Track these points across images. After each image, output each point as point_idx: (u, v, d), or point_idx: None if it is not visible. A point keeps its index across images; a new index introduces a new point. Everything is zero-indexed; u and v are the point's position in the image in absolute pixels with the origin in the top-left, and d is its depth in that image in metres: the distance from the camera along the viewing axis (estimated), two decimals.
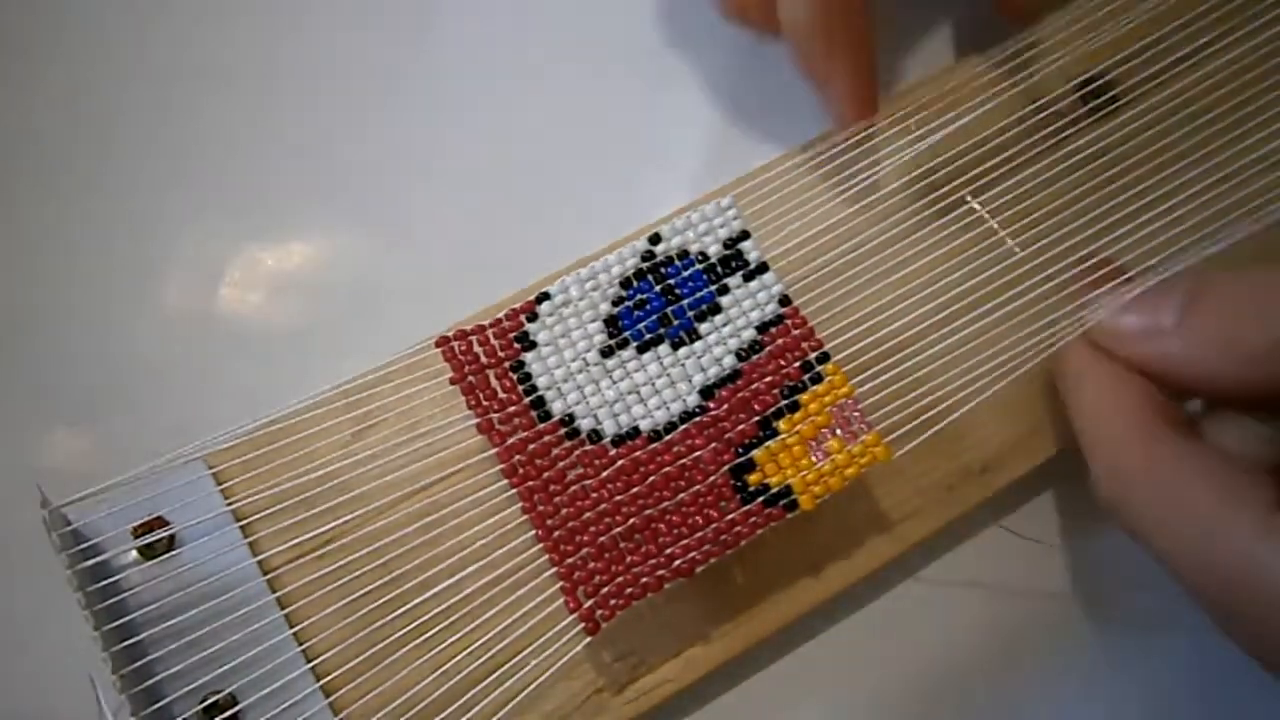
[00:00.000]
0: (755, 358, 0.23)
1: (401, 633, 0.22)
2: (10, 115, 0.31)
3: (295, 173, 0.31)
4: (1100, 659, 0.27)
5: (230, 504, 0.23)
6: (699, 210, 0.24)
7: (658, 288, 0.24)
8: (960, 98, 0.26)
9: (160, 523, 0.23)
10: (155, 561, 0.23)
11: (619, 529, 0.22)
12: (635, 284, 0.24)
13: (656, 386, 0.23)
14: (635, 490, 0.22)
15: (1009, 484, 0.26)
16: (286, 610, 0.23)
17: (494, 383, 0.23)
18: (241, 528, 0.23)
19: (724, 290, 0.24)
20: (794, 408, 0.23)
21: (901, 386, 0.23)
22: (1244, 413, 0.23)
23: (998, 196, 0.26)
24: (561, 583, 0.22)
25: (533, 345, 0.23)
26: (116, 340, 0.29)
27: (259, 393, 0.24)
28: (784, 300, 0.24)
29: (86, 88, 0.31)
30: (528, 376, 0.23)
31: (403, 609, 0.22)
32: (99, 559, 0.22)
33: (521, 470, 0.22)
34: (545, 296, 0.24)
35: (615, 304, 0.24)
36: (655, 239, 0.24)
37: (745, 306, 0.24)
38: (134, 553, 0.23)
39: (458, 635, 0.22)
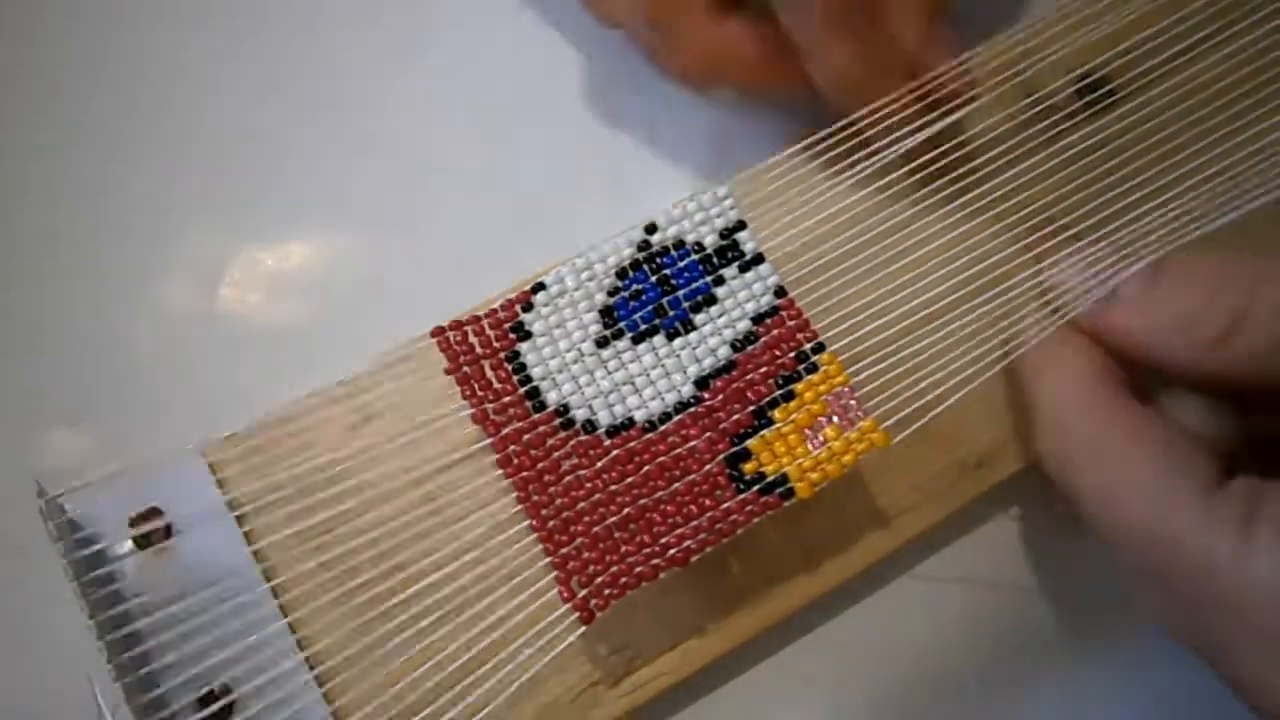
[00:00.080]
0: (750, 348, 0.24)
1: (396, 622, 0.22)
2: (10, 115, 0.31)
3: (295, 173, 0.31)
4: (1096, 654, 0.27)
5: (227, 495, 0.24)
6: (695, 199, 0.24)
7: (653, 278, 0.24)
8: (956, 90, 0.26)
9: (157, 513, 0.23)
10: (151, 551, 0.23)
11: (613, 519, 0.22)
12: (631, 274, 0.24)
13: (651, 377, 0.23)
14: (630, 480, 0.22)
15: (1005, 479, 0.26)
16: (281, 600, 0.23)
17: (489, 373, 0.23)
18: (238, 518, 0.23)
19: (719, 281, 0.24)
20: (789, 397, 0.23)
21: (898, 375, 0.23)
22: (1198, 391, 0.23)
23: (994, 189, 0.26)
24: (556, 573, 0.22)
25: (528, 335, 0.23)
26: (116, 340, 0.29)
27: (259, 393, 0.24)
28: (779, 291, 0.24)
29: (87, 88, 0.31)
30: (523, 367, 0.23)
31: (397, 599, 0.22)
32: (95, 548, 0.22)
33: (516, 461, 0.22)
34: (541, 287, 0.24)
35: (611, 294, 0.24)
36: (651, 228, 0.24)
37: (740, 297, 0.24)
38: (130, 543, 0.23)
39: (452, 625, 0.22)
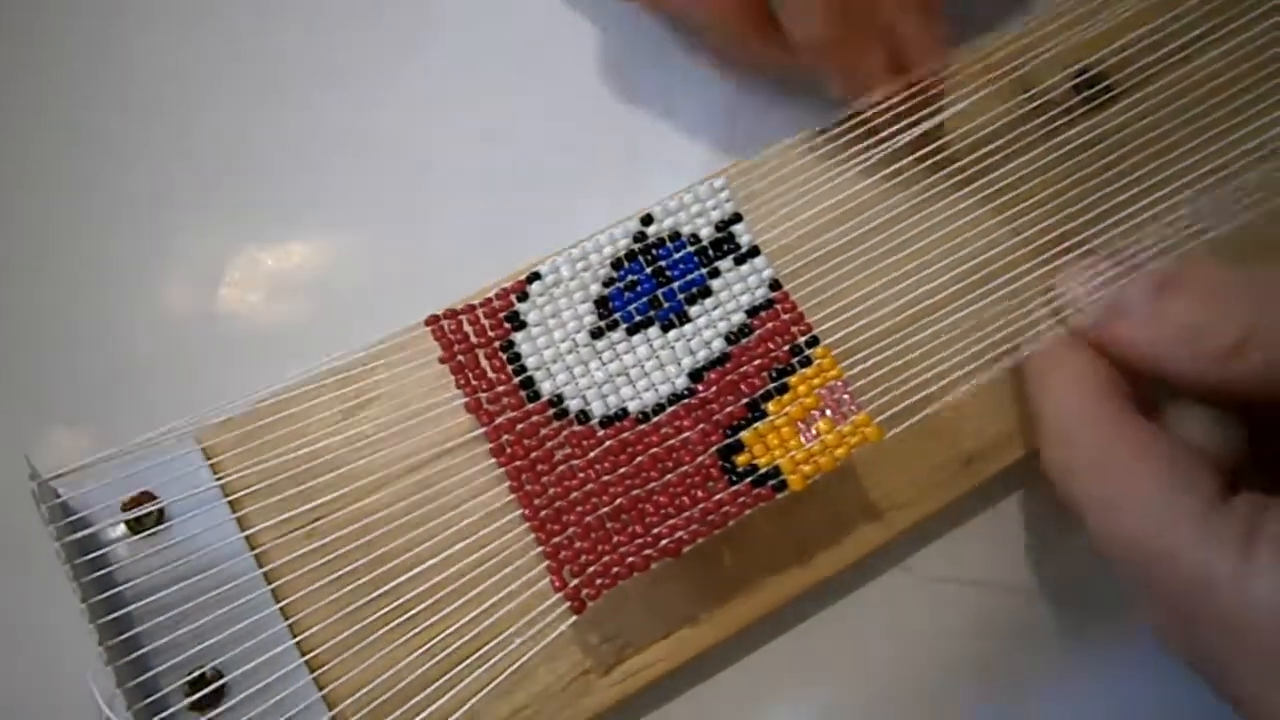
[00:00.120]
0: (744, 341, 0.24)
1: (388, 609, 0.22)
2: (10, 115, 0.31)
3: (295, 172, 0.31)
4: (1091, 649, 0.27)
5: (219, 480, 0.24)
6: (692, 191, 0.24)
7: (649, 269, 0.24)
8: (953, 85, 0.26)
9: (149, 497, 0.23)
10: (144, 536, 0.23)
11: (606, 509, 0.22)
12: (626, 265, 0.24)
13: (645, 368, 0.23)
14: (623, 471, 0.22)
15: (997, 474, 0.26)
16: (273, 586, 0.23)
17: (483, 362, 0.23)
18: (230, 504, 0.23)
19: (715, 273, 0.24)
20: (783, 390, 0.23)
21: (892, 370, 0.24)
22: (1205, 404, 0.23)
23: (990, 184, 0.26)
24: (548, 561, 0.22)
25: (523, 325, 0.23)
26: (116, 340, 0.29)
27: (258, 393, 0.24)
28: (774, 285, 0.24)
29: (86, 87, 0.31)
30: (517, 356, 0.23)
31: (389, 586, 0.22)
32: (87, 532, 0.22)
33: (509, 450, 0.22)
34: (536, 276, 0.24)
35: (606, 285, 0.24)
36: (647, 219, 0.24)
37: (735, 290, 0.24)
38: (123, 527, 0.23)
39: (444, 613, 0.22)
